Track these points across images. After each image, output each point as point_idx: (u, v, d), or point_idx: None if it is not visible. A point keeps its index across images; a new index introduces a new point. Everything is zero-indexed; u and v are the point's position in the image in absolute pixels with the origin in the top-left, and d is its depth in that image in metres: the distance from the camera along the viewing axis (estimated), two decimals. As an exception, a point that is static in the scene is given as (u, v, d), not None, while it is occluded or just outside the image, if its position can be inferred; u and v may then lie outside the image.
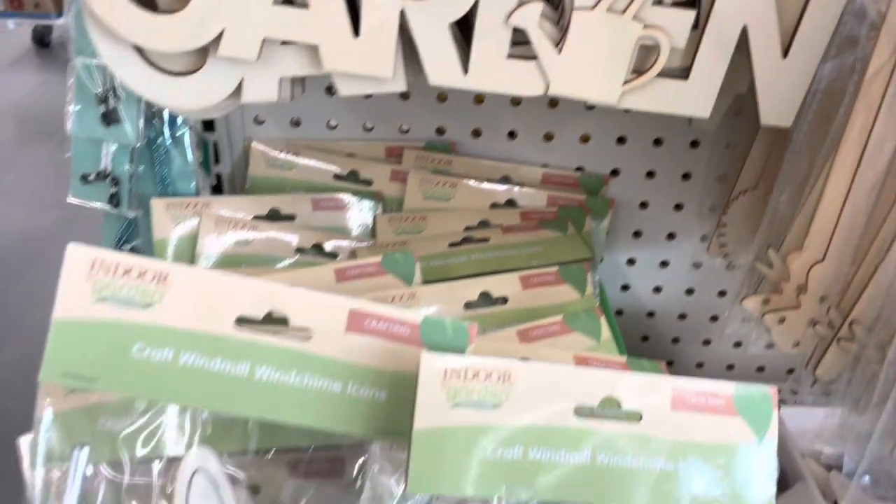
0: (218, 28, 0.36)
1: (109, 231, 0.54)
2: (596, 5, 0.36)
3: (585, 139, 0.58)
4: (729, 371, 0.70)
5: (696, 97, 0.39)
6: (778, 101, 0.40)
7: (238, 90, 0.39)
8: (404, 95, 0.56)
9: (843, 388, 0.37)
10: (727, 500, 0.31)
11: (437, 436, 0.28)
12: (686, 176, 0.59)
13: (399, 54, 0.37)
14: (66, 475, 0.30)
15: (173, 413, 0.32)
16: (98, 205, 0.50)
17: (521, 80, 0.38)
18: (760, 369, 0.69)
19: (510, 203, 0.57)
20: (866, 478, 0.34)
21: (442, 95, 0.56)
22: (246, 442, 0.33)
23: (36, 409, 0.31)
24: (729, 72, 0.39)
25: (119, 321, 0.28)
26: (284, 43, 0.37)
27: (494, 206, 0.57)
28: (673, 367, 0.68)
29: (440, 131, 0.58)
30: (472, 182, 0.57)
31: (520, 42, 0.37)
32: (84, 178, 0.50)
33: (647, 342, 0.68)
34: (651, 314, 0.66)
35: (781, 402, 0.65)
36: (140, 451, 0.31)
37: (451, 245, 0.53)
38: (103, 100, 0.47)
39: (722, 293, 0.65)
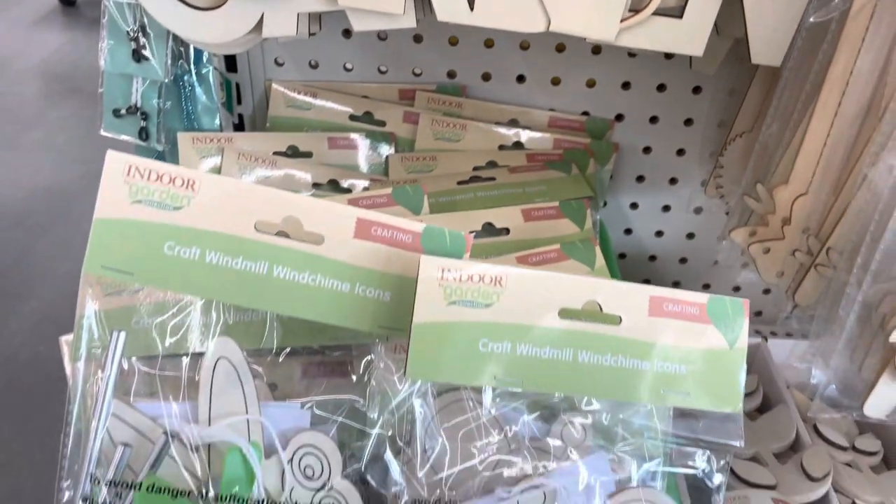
0: (240, -37, 0.39)
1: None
2: (594, -56, 0.38)
3: (591, 84, 0.60)
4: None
5: (690, 35, 0.42)
6: (768, 41, 0.42)
7: (259, 25, 0.42)
8: (417, 39, 0.58)
9: (818, 311, 0.40)
10: (697, 401, 0.34)
11: (434, 330, 0.32)
12: (688, 122, 0.61)
13: (409, -10, 0.40)
14: (105, 361, 0.33)
15: (198, 312, 0.35)
16: (128, 138, 0.54)
17: (524, 17, 0.41)
18: (758, 314, 0.72)
19: (517, 145, 0.60)
20: (832, 387, 0.36)
21: (453, 39, 0.58)
22: (261, 341, 0.36)
23: (77, 304, 0.35)
24: (725, 14, 0.41)
25: (152, 221, 0.32)
26: (302, -21, 0.40)
27: (502, 147, 0.60)
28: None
29: (451, 75, 0.60)
30: (481, 124, 0.59)
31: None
32: (115, 112, 0.53)
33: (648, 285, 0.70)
34: (653, 258, 0.69)
35: (772, 334, 0.67)
36: (168, 341, 0.34)
37: (459, 183, 0.56)
38: (133, 38, 0.51)
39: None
